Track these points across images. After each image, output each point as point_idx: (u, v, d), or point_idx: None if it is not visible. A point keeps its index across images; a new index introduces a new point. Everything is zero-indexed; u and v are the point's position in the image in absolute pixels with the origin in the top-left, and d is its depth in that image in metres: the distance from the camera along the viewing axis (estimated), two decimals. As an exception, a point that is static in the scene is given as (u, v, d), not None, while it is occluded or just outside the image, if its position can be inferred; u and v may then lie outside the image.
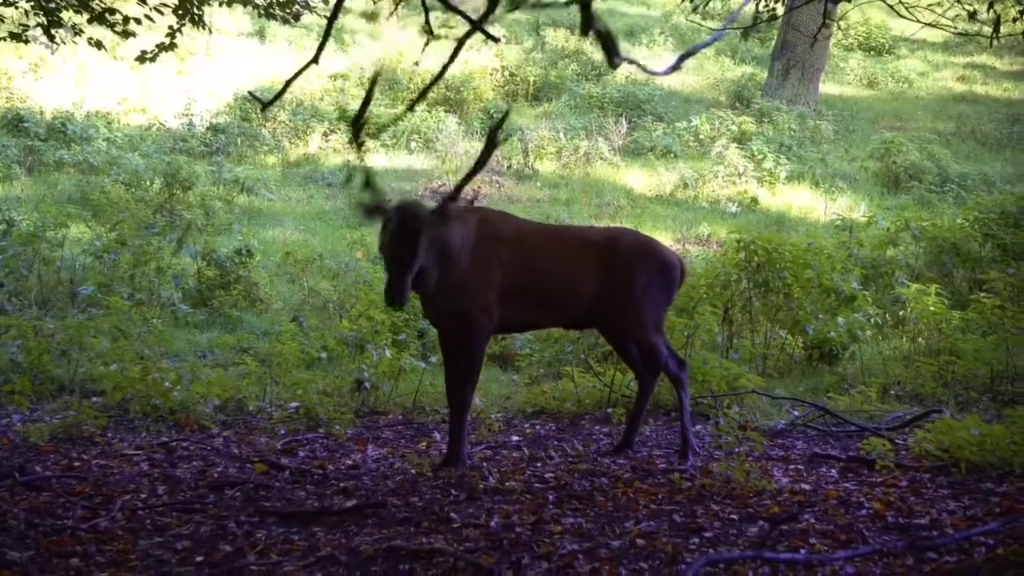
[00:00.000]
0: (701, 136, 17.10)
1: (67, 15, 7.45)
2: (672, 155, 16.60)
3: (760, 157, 15.83)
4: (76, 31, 7.63)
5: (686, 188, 15.29)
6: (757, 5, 7.54)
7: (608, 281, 5.69)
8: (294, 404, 6.89)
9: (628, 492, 5.17)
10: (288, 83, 3.96)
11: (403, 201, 5.29)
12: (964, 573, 3.97)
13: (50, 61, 16.08)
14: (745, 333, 8.60)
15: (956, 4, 6.73)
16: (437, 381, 7.31)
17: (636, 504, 4.97)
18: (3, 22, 7.77)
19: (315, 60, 3.85)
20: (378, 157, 15.98)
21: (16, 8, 7.42)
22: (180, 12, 7.42)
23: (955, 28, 7.43)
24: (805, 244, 8.73)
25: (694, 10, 7.89)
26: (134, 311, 8.69)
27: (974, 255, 10.01)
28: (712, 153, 16.21)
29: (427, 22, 3.66)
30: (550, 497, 5.08)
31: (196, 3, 7.48)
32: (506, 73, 19.04)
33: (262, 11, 7.93)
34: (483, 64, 18.85)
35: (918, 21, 6.88)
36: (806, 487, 5.27)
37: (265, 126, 16.38)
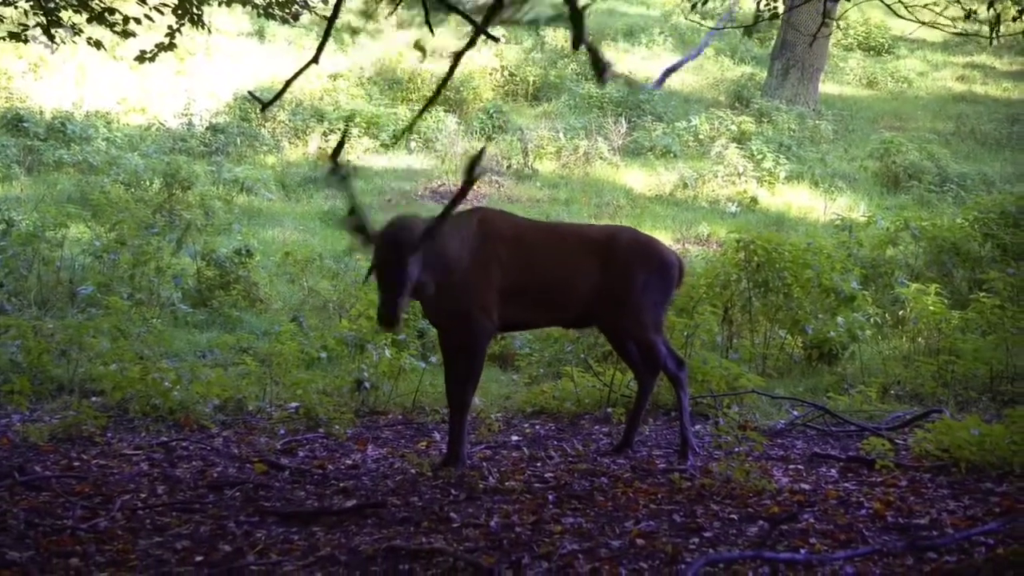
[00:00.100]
0: (701, 136, 17.10)
1: (67, 15, 7.45)
2: (672, 155, 16.60)
3: (760, 157, 15.84)
4: (76, 31, 7.62)
5: (686, 188, 15.30)
6: (758, 4, 7.54)
7: (607, 279, 5.68)
8: (294, 404, 6.88)
9: (628, 492, 5.17)
10: (288, 83, 3.97)
11: (388, 225, 5.15)
12: (964, 573, 3.97)
13: (50, 61, 16.07)
14: (745, 333, 8.60)
15: (954, 3, 6.73)
16: (437, 381, 7.31)
17: (636, 504, 4.97)
18: (3, 22, 7.77)
19: (315, 60, 3.85)
20: (378, 157, 15.99)
21: (16, 8, 7.42)
22: (179, 12, 7.42)
23: (954, 28, 7.42)
24: (805, 244, 8.73)
25: (692, 8, 7.89)
26: (134, 311, 8.70)
27: (974, 255, 10.01)
28: (712, 153, 16.22)
29: (427, 22, 3.65)
30: (550, 497, 5.08)
31: (195, 3, 7.48)
32: (506, 73, 19.05)
33: (261, 11, 7.93)
34: (483, 64, 18.85)
35: (915, 21, 6.88)
36: (806, 487, 5.27)
37: (265, 126, 16.38)
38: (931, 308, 8.26)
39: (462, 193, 4.76)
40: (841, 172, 16.16)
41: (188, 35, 7.94)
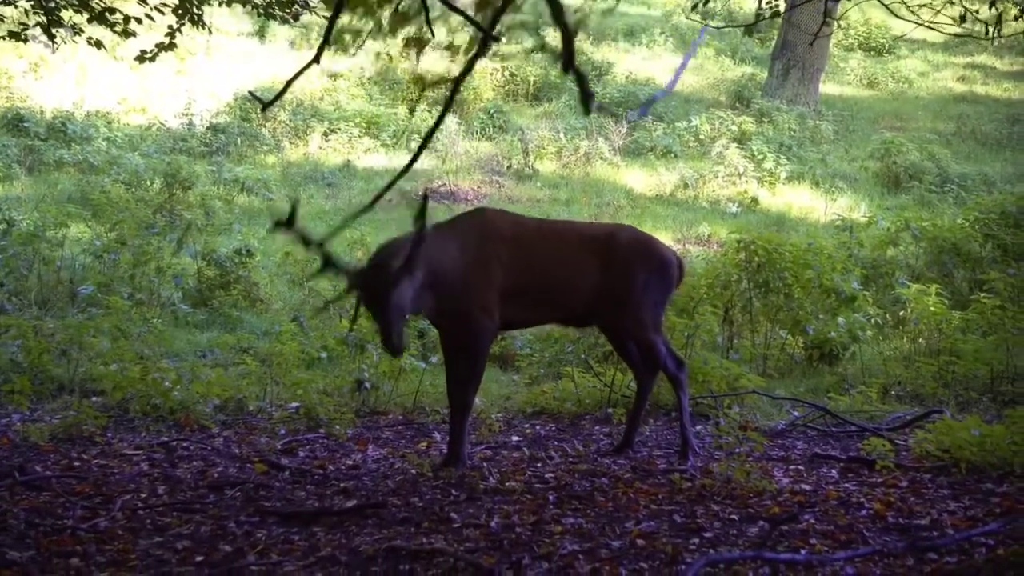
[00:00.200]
0: (701, 136, 17.10)
1: (67, 14, 7.46)
2: (672, 155, 16.60)
3: (760, 157, 15.84)
4: (76, 31, 7.63)
5: (686, 188, 15.30)
6: (759, 2, 7.53)
7: (607, 278, 5.67)
8: (294, 404, 6.88)
9: (628, 492, 5.17)
10: (289, 83, 3.96)
11: (369, 264, 5.18)
12: (964, 574, 3.97)
13: (50, 61, 16.08)
14: (745, 333, 8.60)
15: (952, 4, 6.72)
16: (437, 381, 7.31)
17: (636, 504, 4.97)
18: (3, 21, 7.77)
19: (316, 60, 3.84)
20: (378, 157, 15.99)
21: (16, 7, 7.42)
22: (180, 12, 7.42)
23: (955, 28, 7.42)
24: (805, 244, 8.73)
25: (693, 8, 7.89)
26: (134, 311, 8.70)
27: (974, 255, 10.01)
28: (712, 153, 16.22)
29: (427, 22, 3.65)
30: (550, 497, 5.08)
31: (196, 3, 7.48)
32: (506, 73, 19.04)
33: (262, 11, 7.93)
34: (483, 64, 18.83)
35: (914, 22, 6.87)
36: (806, 487, 5.27)
37: (265, 126, 16.39)
38: (932, 308, 8.25)
39: (417, 242, 4.89)
40: (842, 172, 16.16)
41: (188, 35, 7.95)
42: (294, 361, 7.30)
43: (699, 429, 6.38)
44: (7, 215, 10.36)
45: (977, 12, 6.69)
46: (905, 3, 6.93)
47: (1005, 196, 11.52)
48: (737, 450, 5.59)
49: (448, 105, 3.39)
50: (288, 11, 7.96)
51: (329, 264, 4.49)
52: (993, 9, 6.20)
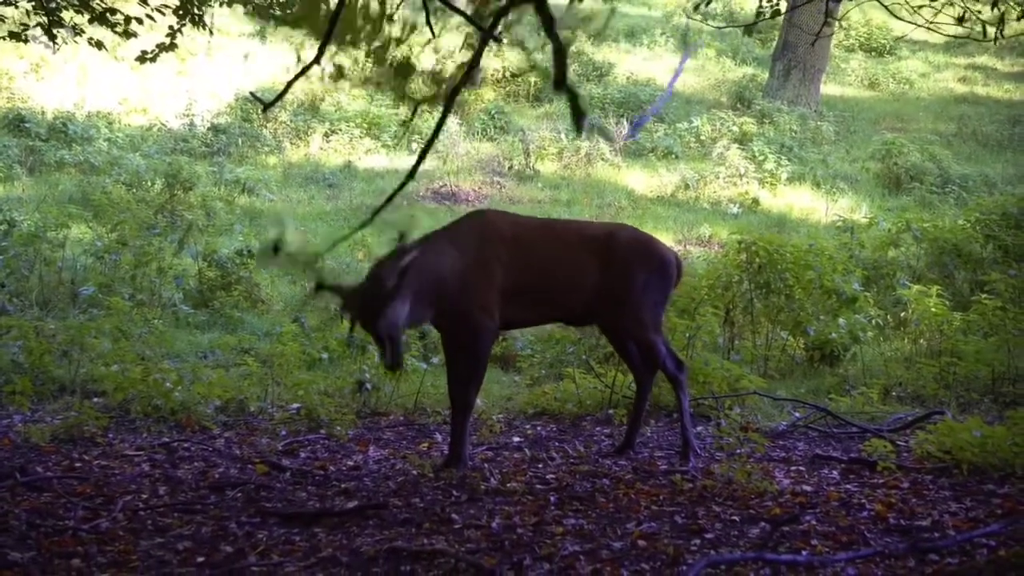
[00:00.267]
0: (702, 137, 17.10)
1: (68, 15, 7.46)
2: (673, 156, 16.60)
3: (761, 158, 15.83)
4: (77, 31, 7.63)
5: (687, 189, 15.30)
6: (760, 1, 7.53)
7: (606, 277, 5.67)
8: (295, 405, 6.88)
9: (630, 493, 5.17)
10: (290, 84, 3.97)
11: (363, 285, 5.16)
12: (966, 575, 3.97)
13: (51, 61, 16.08)
14: (746, 334, 8.59)
15: (953, 4, 6.71)
16: (438, 382, 7.32)
17: (638, 505, 4.97)
18: (4, 22, 7.78)
19: (317, 60, 3.85)
20: (379, 158, 15.99)
21: (17, 8, 7.42)
22: (180, 12, 7.42)
23: (955, 29, 7.41)
24: (806, 245, 8.72)
25: (695, 8, 7.88)
26: (135, 312, 8.70)
27: (975, 256, 10.00)
28: (713, 154, 16.21)
29: (428, 21, 3.66)
30: (552, 498, 5.08)
31: (197, 3, 7.48)
32: (507, 73, 19.04)
33: (262, 11, 7.93)
34: (483, 64, 18.81)
35: (914, 23, 6.86)
36: (807, 488, 5.27)
37: (266, 127, 16.38)
38: (933, 310, 8.25)
39: (397, 288, 4.98)
40: (843, 173, 16.16)
41: (189, 35, 7.95)
42: (295, 362, 7.30)
43: (700, 430, 6.38)
44: (8, 216, 10.36)
45: (979, 13, 6.68)
46: (906, 4, 6.92)
47: (1006, 197, 11.53)
48: (738, 451, 5.59)
49: (448, 109, 3.39)
50: (288, 11, 7.95)
51: (321, 287, 4.52)
52: (996, 10, 6.18)
